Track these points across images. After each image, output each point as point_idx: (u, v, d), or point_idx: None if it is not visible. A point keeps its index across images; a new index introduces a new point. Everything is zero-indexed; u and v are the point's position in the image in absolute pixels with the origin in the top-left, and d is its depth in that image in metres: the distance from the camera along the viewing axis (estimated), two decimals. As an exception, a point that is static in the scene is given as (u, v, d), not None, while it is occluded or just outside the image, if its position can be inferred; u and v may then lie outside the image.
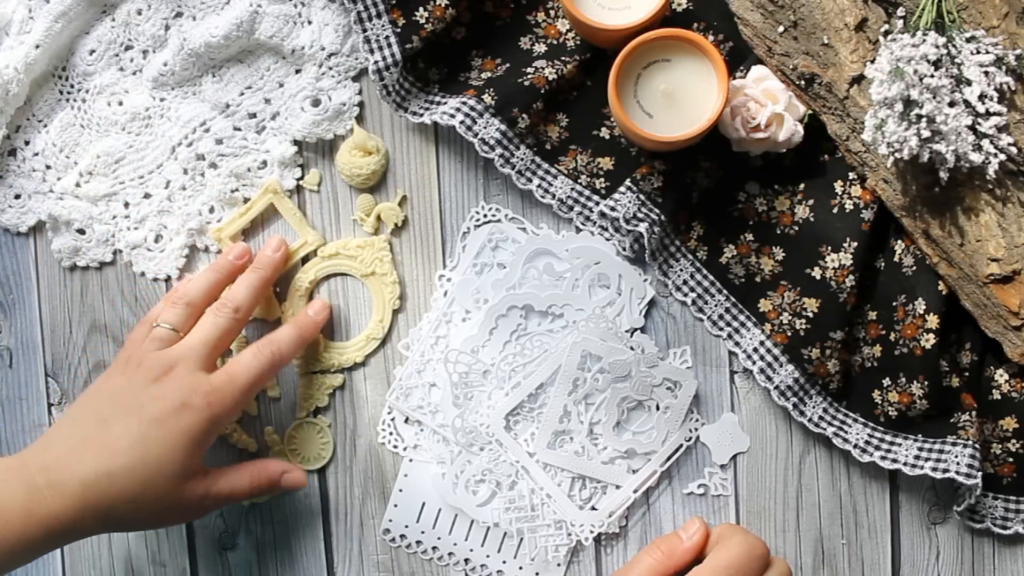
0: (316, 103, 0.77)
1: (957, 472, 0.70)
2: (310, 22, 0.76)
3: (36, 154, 0.78)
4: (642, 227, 0.72)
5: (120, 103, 0.77)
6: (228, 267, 0.74)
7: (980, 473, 0.70)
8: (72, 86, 0.78)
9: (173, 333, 0.70)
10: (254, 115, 0.77)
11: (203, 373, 0.68)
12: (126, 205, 0.78)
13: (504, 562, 0.76)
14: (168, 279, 0.78)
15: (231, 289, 0.73)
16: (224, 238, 0.77)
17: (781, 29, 0.71)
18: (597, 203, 0.75)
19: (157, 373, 0.68)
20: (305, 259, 0.78)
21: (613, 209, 0.73)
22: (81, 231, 0.78)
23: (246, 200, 0.77)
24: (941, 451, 0.71)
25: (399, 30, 0.73)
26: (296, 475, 0.74)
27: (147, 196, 0.78)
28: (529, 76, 0.74)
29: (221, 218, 0.78)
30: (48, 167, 0.78)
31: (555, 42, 0.76)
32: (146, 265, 0.78)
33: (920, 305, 0.72)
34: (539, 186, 0.75)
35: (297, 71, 0.77)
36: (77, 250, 0.78)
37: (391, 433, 0.78)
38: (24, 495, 0.63)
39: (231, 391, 0.68)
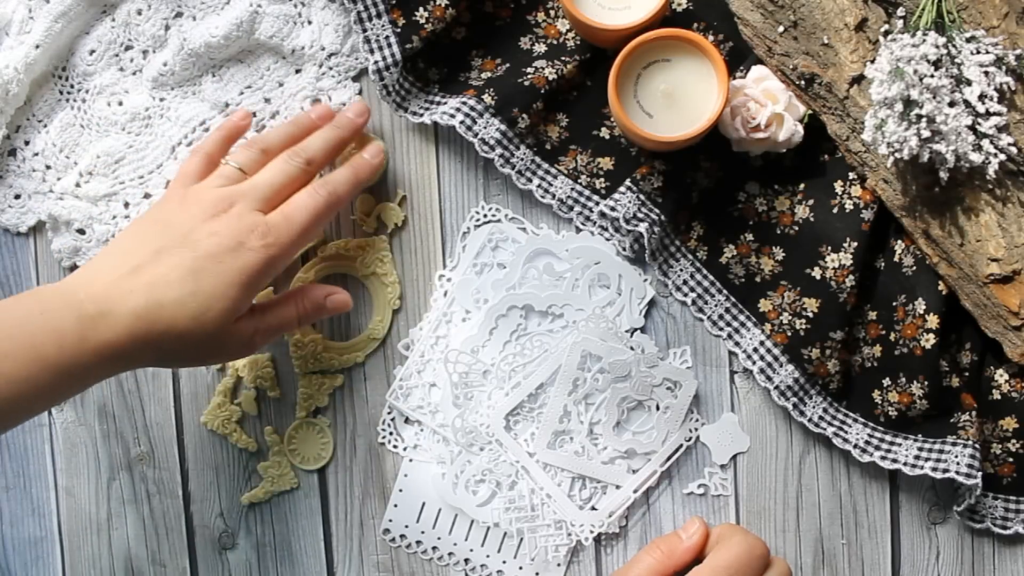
0: (315, 103, 0.77)
1: (957, 472, 0.70)
2: (310, 22, 0.76)
3: (36, 154, 0.78)
4: (642, 227, 0.72)
5: (120, 103, 0.77)
6: (308, 123, 0.72)
7: (980, 473, 0.70)
8: (72, 86, 0.78)
9: (240, 173, 0.69)
10: (254, 114, 0.77)
11: (261, 214, 0.66)
12: (126, 205, 0.78)
13: (504, 562, 0.76)
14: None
15: (307, 140, 0.71)
16: None
17: (781, 29, 0.71)
18: (597, 203, 0.75)
19: (216, 209, 0.66)
20: (304, 259, 0.78)
21: (613, 209, 0.73)
22: (81, 231, 0.78)
23: None
24: (941, 451, 0.71)
25: (399, 30, 0.73)
26: (341, 296, 0.72)
27: (147, 196, 0.78)
28: (529, 76, 0.74)
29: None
30: (48, 167, 0.78)
31: (555, 42, 0.76)
32: None
33: (920, 305, 0.72)
34: (539, 186, 0.75)
35: (297, 71, 0.77)
36: (77, 250, 0.78)
37: (391, 433, 0.78)
38: (75, 322, 0.61)
39: (288, 231, 0.66)
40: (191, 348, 0.65)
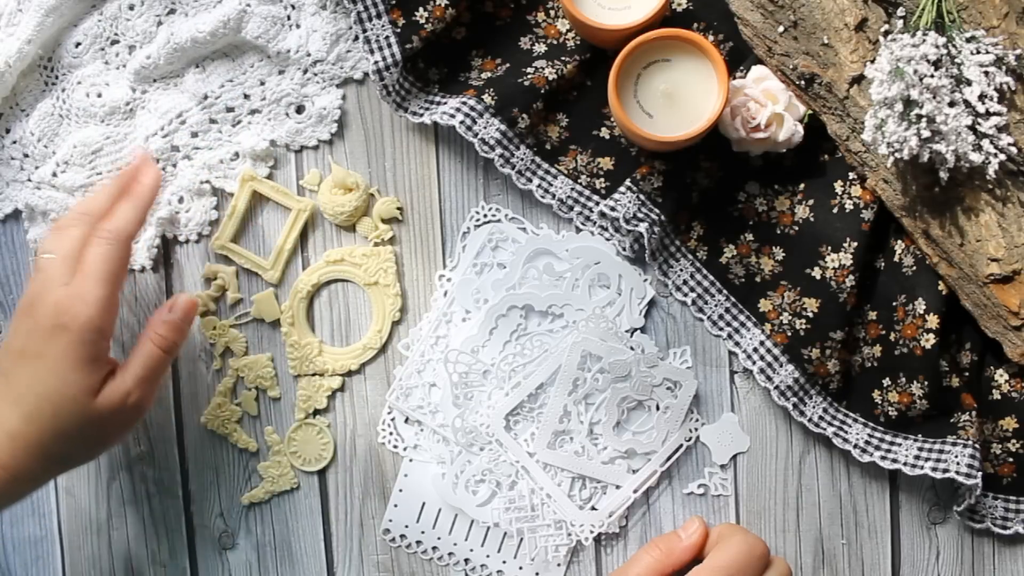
0: (300, 109, 0.77)
1: (957, 472, 0.70)
2: (298, 26, 0.76)
3: (14, 142, 0.78)
4: (642, 227, 0.72)
5: (99, 95, 0.77)
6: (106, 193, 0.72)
7: (980, 473, 0.70)
8: (56, 77, 0.78)
9: (53, 258, 0.69)
10: (231, 109, 0.77)
11: (64, 287, 0.67)
12: None
13: (504, 562, 0.76)
14: (143, 270, 0.78)
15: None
16: (226, 244, 0.77)
17: (781, 29, 0.71)
18: (597, 203, 0.75)
19: (26, 307, 0.67)
20: (305, 258, 0.78)
21: (613, 209, 0.73)
22: None
23: (215, 192, 0.78)
24: (941, 451, 0.71)
25: (399, 30, 0.73)
26: (180, 300, 0.72)
27: None
28: (529, 76, 0.74)
29: (190, 208, 0.77)
30: (26, 156, 0.78)
31: (555, 42, 0.76)
32: None
33: (920, 305, 0.72)
34: (539, 186, 0.75)
35: (280, 72, 0.77)
36: None
37: (391, 433, 0.78)
38: None
39: (87, 288, 0.66)
40: (76, 439, 0.67)
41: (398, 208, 0.77)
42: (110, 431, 0.69)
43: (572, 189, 0.76)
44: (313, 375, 0.78)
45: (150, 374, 0.70)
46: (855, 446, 0.73)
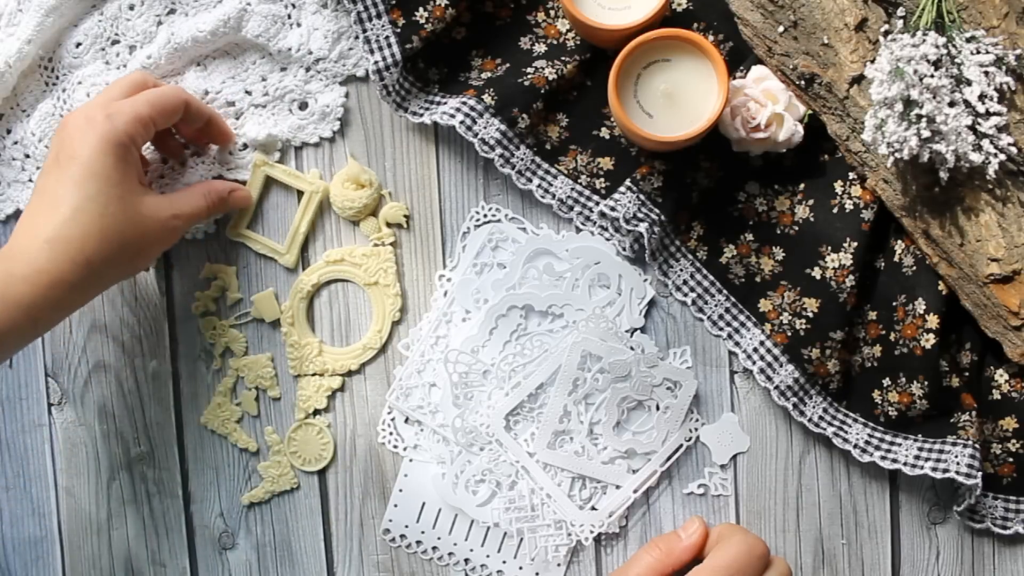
0: (303, 106, 0.77)
1: (957, 472, 0.70)
2: (299, 24, 0.76)
3: (15, 142, 0.78)
4: (642, 227, 0.72)
5: None
6: None
7: (980, 473, 0.70)
8: (57, 77, 0.78)
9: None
10: (232, 103, 0.77)
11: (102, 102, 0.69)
12: None
13: (504, 562, 0.76)
14: (147, 268, 0.78)
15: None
16: (242, 232, 0.77)
17: (781, 29, 0.71)
18: (597, 203, 0.75)
19: (62, 126, 0.68)
20: (305, 258, 0.78)
21: (613, 209, 0.73)
22: None
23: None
24: (941, 451, 0.71)
25: (399, 30, 0.73)
26: (242, 193, 0.75)
27: None
28: (529, 76, 0.74)
29: None
30: (27, 156, 0.78)
31: (555, 42, 0.76)
32: None
33: (920, 305, 0.72)
34: (539, 186, 0.75)
35: (282, 69, 0.77)
36: None
37: (391, 433, 0.78)
38: (1, 267, 0.64)
39: (130, 100, 0.69)
40: (116, 243, 0.67)
41: (405, 216, 0.77)
42: (149, 242, 0.69)
43: (572, 189, 0.76)
44: (313, 375, 0.78)
45: (190, 216, 0.71)
46: (855, 446, 0.73)
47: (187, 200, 0.72)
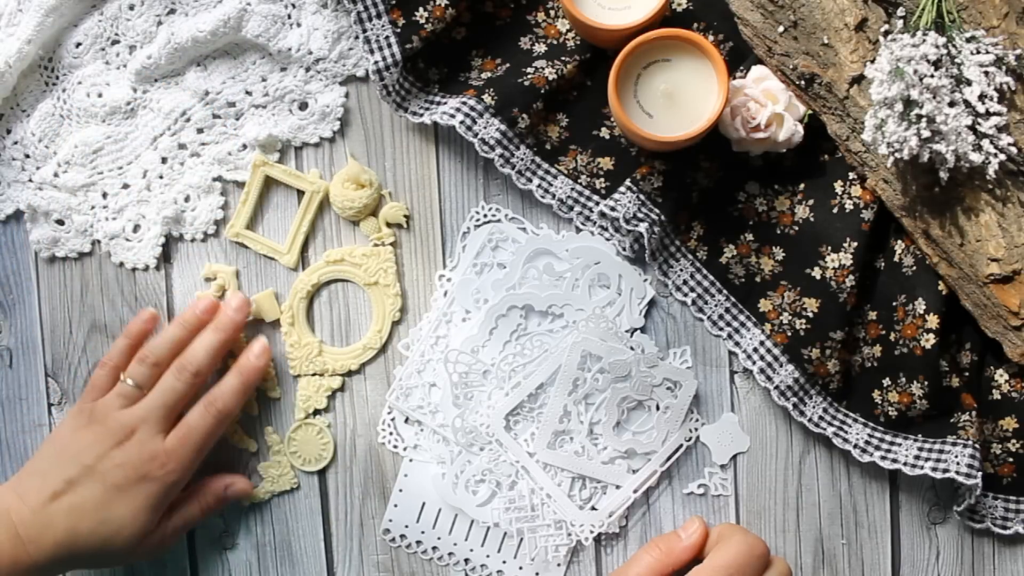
0: (303, 106, 0.77)
1: (957, 472, 0.70)
2: (299, 24, 0.76)
3: (15, 143, 0.78)
4: (642, 227, 0.72)
5: (100, 95, 0.77)
6: (194, 322, 0.75)
7: (980, 473, 0.70)
8: (57, 77, 0.78)
9: (137, 391, 0.73)
10: (233, 104, 0.77)
11: (161, 436, 0.72)
12: (104, 195, 0.78)
13: (504, 562, 0.76)
14: (146, 268, 0.78)
15: (191, 349, 0.74)
16: (241, 232, 0.77)
17: (781, 29, 0.71)
18: (597, 203, 0.75)
19: (119, 436, 0.71)
20: (305, 258, 0.78)
21: (613, 209, 0.73)
22: (60, 222, 0.78)
23: (223, 190, 0.78)
24: (941, 451, 0.71)
25: (399, 30, 0.73)
26: (239, 485, 0.77)
27: (125, 186, 0.78)
28: (529, 76, 0.74)
29: (196, 207, 0.78)
30: (27, 156, 0.78)
31: (555, 42, 0.76)
32: (124, 255, 0.78)
33: (920, 305, 0.72)
34: (539, 186, 0.75)
35: (283, 69, 0.77)
36: (56, 241, 0.78)
37: (391, 433, 0.78)
38: (10, 544, 0.69)
39: (184, 455, 0.72)
40: (109, 561, 0.74)
41: (405, 216, 0.77)
42: (133, 559, 0.73)
43: (572, 189, 0.76)
44: (313, 375, 0.78)
45: (183, 528, 0.75)
46: (855, 446, 0.73)
47: (181, 516, 0.75)
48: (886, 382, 0.73)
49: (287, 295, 0.78)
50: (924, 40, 0.67)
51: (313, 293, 0.78)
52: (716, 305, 0.75)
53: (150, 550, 0.73)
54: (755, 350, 0.74)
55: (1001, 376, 0.74)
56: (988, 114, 0.68)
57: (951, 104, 0.67)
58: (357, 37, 0.75)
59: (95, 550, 0.70)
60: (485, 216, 0.77)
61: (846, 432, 0.74)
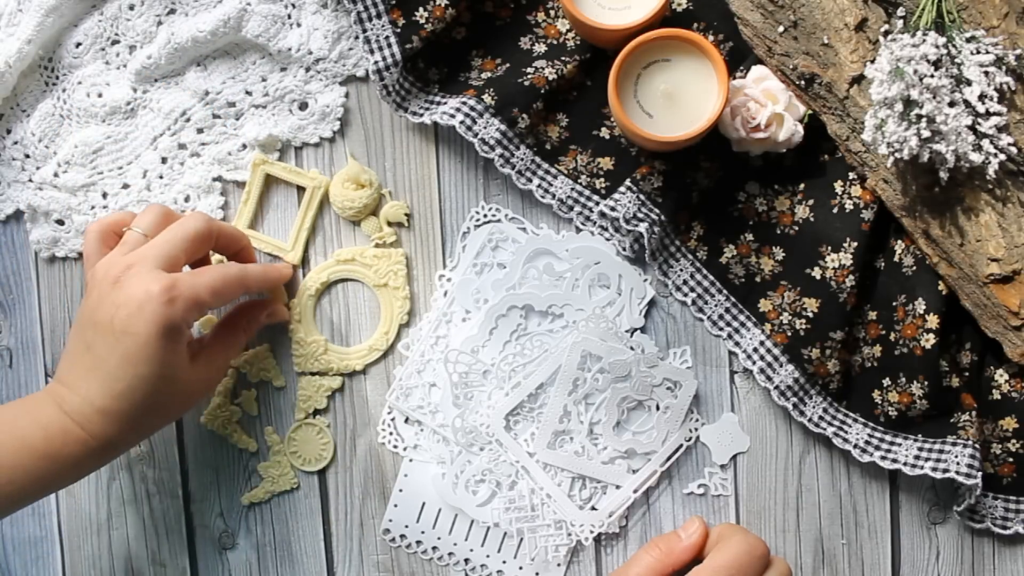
0: (303, 106, 0.77)
1: (957, 472, 0.70)
2: (299, 24, 0.76)
3: (15, 143, 0.78)
4: (642, 227, 0.72)
5: (99, 95, 0.78)
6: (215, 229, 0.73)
7: (980, 473, 0.70)
8: (57, 77, 0.78)
9: (143, 237, 0.69)
10: (233, 104, 0.77)
11: (162, 272, 0.67)
12: (104, 195, 0.78)
13: (504, 562, 0.76)
14: None
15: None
16: (244, 232, 0.77)
17: (781, 29, 0.71)
18: (597, 203, 0.75)
19: (116, 276, 0.67)
20: (305, 258, 0.78)
21: (613, 209, 0.73)
22: (60, 222, 0.78)
23: (223, 190, 0.78)
24: (941, 451, 0.71)
25: (399, 30, 0.73)
26: (278, 311, 0.76)
27: (126, 186, 0.78)
28: (529, 76, 0.74)
29: (196, 207, 0.78)
30: (27, 156, 0.78)
31: (555, 42, 0.76)
32: None
33: (920, 305, 0.72)
34: (539, 186, 0.75)
35: (283, 69, 0.77)
36: (56, 241, 0.78)
37: (391, 433, 0.78)
38: (58, 419, 0.66)
39: (191, 282, 0.67)
40: (163, 410, 0.69)
41: (406, 214, 0.77)
42: (193, 403, 0.72)
43: (572, 189, 0.76)
44: (314, 375, 0.78)
45: (233, 354, 0.74)
46: (855, 446, 0.73)
47: (225, 350, 0.73)
48: (886, 382, 0.73)
49: (290, 293, 0.78)
50: (924, 40, 0.67)
51: (322, 291, 0.78)
52: (716, 305, 0.75)
53: (197, 386, 0.70)
54: (755, 350, 0.74)
55: (1001, 376, 0.74)
56: (988, 114, 0.68)
57: (951, 104, 0.67)
58: (357, 37, 0.75)
59: (145, 406, 0.67)
60: (485, 216, 0.77)
61: (846, 432, 0.74)
